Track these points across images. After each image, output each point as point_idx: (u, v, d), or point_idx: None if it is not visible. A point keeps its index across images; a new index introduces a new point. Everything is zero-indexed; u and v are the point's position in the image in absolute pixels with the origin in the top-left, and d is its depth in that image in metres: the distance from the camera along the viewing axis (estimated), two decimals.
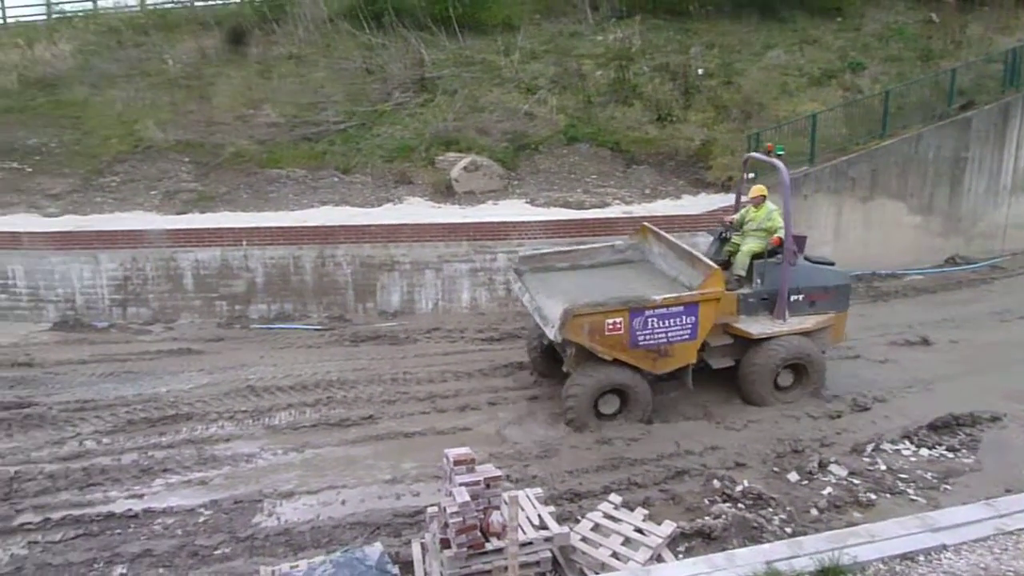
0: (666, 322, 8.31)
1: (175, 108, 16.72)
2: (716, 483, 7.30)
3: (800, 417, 8.78)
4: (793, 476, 7.49)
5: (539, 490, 6.58)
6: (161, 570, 6.30)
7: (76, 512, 7.12)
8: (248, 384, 9.96)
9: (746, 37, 18.19)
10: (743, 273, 9.34)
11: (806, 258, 9.48)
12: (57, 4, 24.33)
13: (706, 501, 7.05)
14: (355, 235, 12.53)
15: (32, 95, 17.73)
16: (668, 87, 16.67)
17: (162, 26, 20.31)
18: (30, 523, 6.98)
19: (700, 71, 17.02)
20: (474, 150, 15.14)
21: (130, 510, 7.15)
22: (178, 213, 13.88)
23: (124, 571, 6.27)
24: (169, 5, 22.42)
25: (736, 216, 9.87)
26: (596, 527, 6.32)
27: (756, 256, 9.24)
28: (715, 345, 9.00)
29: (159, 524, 6.97)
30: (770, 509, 6.82)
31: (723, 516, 6.52)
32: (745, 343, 8.94)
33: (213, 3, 21.76)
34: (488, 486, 5.55)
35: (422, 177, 14.92)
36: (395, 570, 5.77)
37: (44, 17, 24.36)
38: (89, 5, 24.06)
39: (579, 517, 6.62)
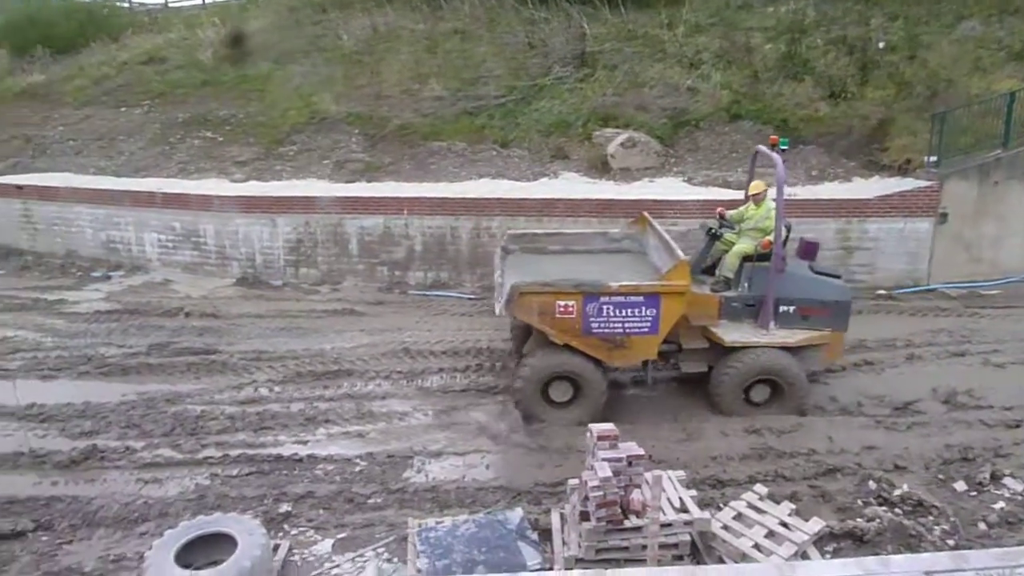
0: (623, 311, 7.83)
1: (348, 82, 17.65)
2: (872, 484, 6.93)
3: (972, 423, 8.11)
4: (960, 485, 6.95)
5: (682, 473, 6.53)
6: (321, 511, 6.81)
7: (250, 451, 7.83)
8: (404, 347, 10.48)
9: (935, 7, 16.67)
10: (730, 275, 8.65)
11: (811, 268, 8.70)
12: None
13: (859, 502, 6.71)
14: (510, 208, 12.77)
15: (224, 70, 19.35)
16: (844, 61, 15.61)
17: (339, 4, 21.42)
18: (212, 457, 7.76)
19: (881, 44, 15.79)
20: (632, 126, 14.95)
21: (296, 454, 7.76)
22: (347, 182, 14.75)
23: (289, 509, 6.82)
24: None
25: (734, 212, 9.15)
26: (739, 516, 6.19)
27: (747, 258, 8.53)
28: (689, 348, 8.46)
29: (320, 470, 7.52)
30: (931, 518, 6.39)
31: (877, 520, 6.19)
32: (720, 350, 8.25)
33: None
34: (630, 464, 5.57)
35: (578, 152, 14.95)
36: (534, 536, 5.94)
37: None
38: None
39: (721, 504, 6.51)
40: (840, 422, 8.24)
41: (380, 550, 6.18)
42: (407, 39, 18.89)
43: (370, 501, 6.95)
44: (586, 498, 5.55)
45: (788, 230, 8.65)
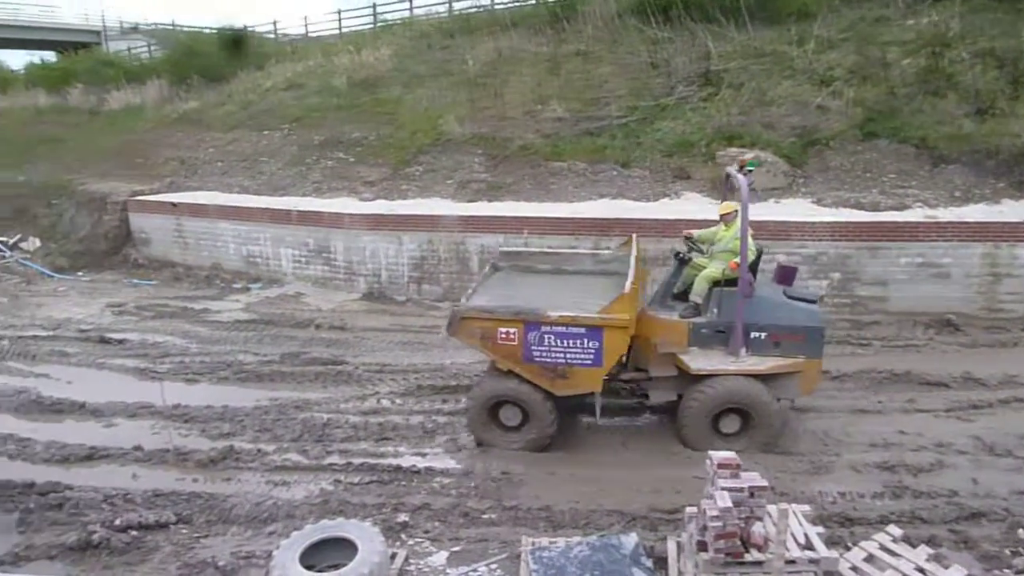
0: (565, 342, 7.54)
1: (472, 104, 18.14)
2: (1022, 533, 6.35)
3: None
4: None
5: (807, 507, 6.21)
6: (437, 523, 6.93)
7: (371, 460, 8.08)
8: None
9: None
10: (700, 300, 8.14)
11: (785, 293, 8.16)
12: (382, 14, 27.55)
13: (1007, 551, 6.17)
14: (630, 228, 12.59)
15: (357, 94, 20.36)
16: (992, 75, 14.61)
17: (465, 29, 22.14)
18: (336, 464, 8.06)
19: None
20: (758, 145, 14.55)
21: (414, 466, 7.94)
22: (469, 201, 15.12)
23: (407, 519, 6.98)
24: (473, 9, 24.32)
25: (704, 233, 8.67)
26: (870, 558, 5.83)
27: (717, 283, 8.00)
28: (659, 376, 8.08)
29: (437, 482, 7.66)
30: None
31: None
32: (689, 378, 7.82)
33: (511, 5, 23.23)
34: (752, 495, 5.36)
35: (701, 173, 14.69)
36: (648, 563, 5.82)
37: (371, 26, 27.70)
38: (407, 14, 26.97)
39: (850, 544, 6.15)
40: (986, 463, 7.62)
41: (493, 566, 6.23)
42: (530, 61, 19.23)
43: (484, 516, 7.02)
44: (704, 528, 5.39)
45: (759, 253, 8.32)
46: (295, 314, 13.38)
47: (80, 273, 17.58)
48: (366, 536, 5.77)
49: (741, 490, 5.33)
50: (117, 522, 6.86)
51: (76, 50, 38.69)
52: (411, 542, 6.66)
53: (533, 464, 7.96)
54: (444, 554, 6.45)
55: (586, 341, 7.54)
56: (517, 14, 22.24)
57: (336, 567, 5.58)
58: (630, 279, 7.77)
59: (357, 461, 8.09)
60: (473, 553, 6.43)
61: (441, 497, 7.34)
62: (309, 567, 5.55)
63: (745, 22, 17.59)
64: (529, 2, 23.61)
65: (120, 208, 18.56)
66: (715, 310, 8.02)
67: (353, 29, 29.16)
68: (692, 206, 13.56)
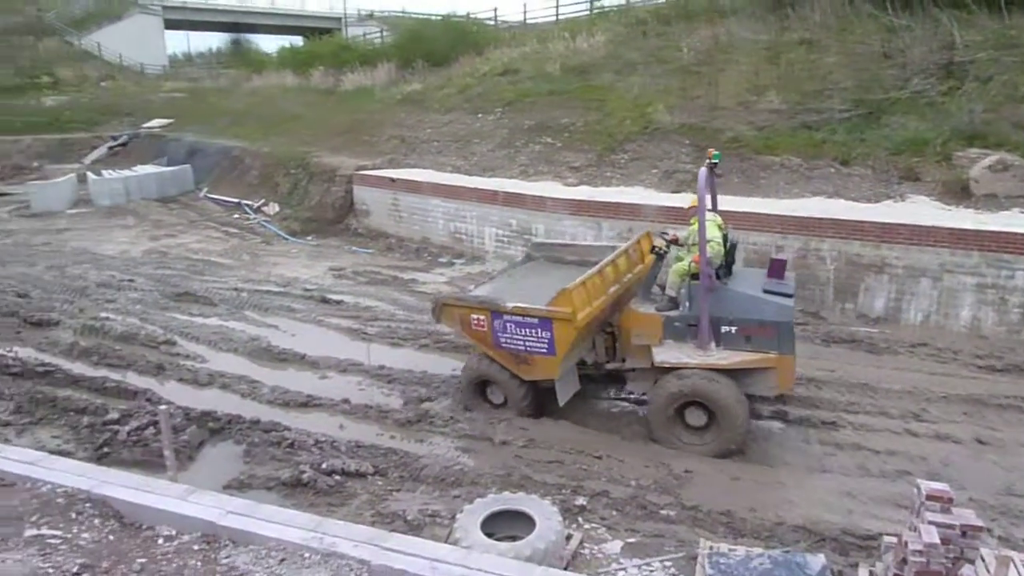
0: (523, 331, 8.08)
1: (684, 93, 17.73)
2: None
3: None
4: None
5: None
6: (614, 512, 6.96)
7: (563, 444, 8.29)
8: None
9: None
10: (674, 294, 8.24)
11: (764, 287, 7.97)
12: (598, 1, 27.63)
13: None
14: (845, 230, 11.84)
15: (569, 80, 20.61)
16: None
17: (683, 16, 21.61)
18: (520, 439, 8.36)
19: None
20: (1005, 147, 12.94)
21: (598, 451, 8.03)
22: (672, 192, 14.84)
23: (584, 503, 7.07)
24: None
25: (683, 233, 8.57)
26: None
27: (695, 276, 7.91)
28: (636, 368, 8.41)
29: (618, 471, 7.67)
30: None
31: None
32: (659, 370, 7.95)
33: None
34: (964, 534, 4.87)
35: (932, 174, 13.33)
36: None
37: (587, 13, 27.87)
38: (623, 0, 26.83)
39: None
40: None
41: (667, 564, 6.15)
42: (747, 50, 18.42)
43: (663, 512, 6.94)
44: (904, 561, 4.97)
45: (733, 245, 8.43)
46: None
47: (309, 238, 19.41)
48: (544, 513, 5.93)
49: (952, 527, 4.86)
50: (324, 465, 7.57)
51: (320, 36, 42.46)
52: (587, 526, 6.74)
53: (718, 466, 7.76)
54: (619, 543, 6.47)
55: (539, 331, 8.01)
56: (738, 0, 21.35)
57: (513, 538, 5.79)
58: (586, 275, 8.11)
59: (539, 440, 8.29)
60: (648, 547, 6.39)
61: (621, 486, 7.35)
62: (488, 534, 5.80)
63: (1000, 8, 15.65)
64: None
65: (346, 181, 20.25)
66: (687, 303, 8.11)
67: (569, 16, 29.49)
68: (919, 209, 12.37)
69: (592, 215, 14.24)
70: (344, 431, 8.66)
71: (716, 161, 8.21)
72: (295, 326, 12.30)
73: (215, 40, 68.39)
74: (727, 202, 13.48)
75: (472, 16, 33.32)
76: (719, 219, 8.37)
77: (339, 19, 56.05)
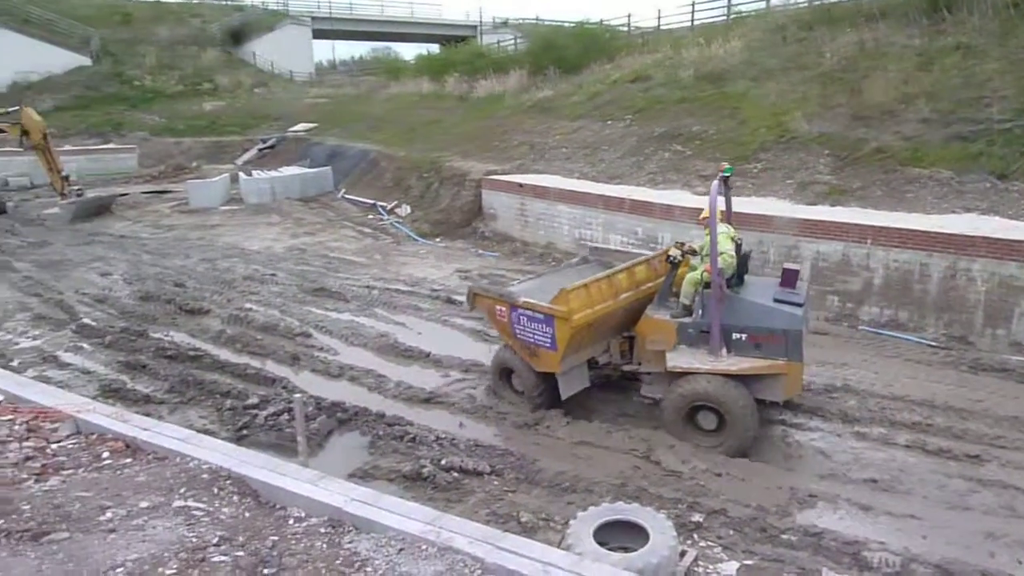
0: (533, 325, 8.65)
1: (824, 101, 16.97)
2: None
3: None
4: None
5: None
6: (732, 532, 6.78)
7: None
8: (846, 384, 9.80)
9: None
10: (688, 302, 8.57)
11: (775, 296, 8.22)
12: (736, 6, 26.91)
13: None
14: (1000, 250, 10.95)
15: (702, 87, 20.19)
16: None
17: (826, 20, 20.69)
18: (637, 450, 8.25)
19: None
20: None
21: (715, 468, 7.82)
22: (808, 203, 14.23)
23: (701, 520, 6.92)
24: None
25: (699, 243, 8.86)
26: None
27: (707, 285, 8.20)
28: (650, 372, 8.83)
29: (738, 490, 7.45)
30: None
31: None
32: (672, 374, 8.31)
33: None
34: None
35: None
36: None
37: (724, 18, 27.22)
38: (762, 5, 26.01)
39: None
40: None
41: None
42: (896, 55, 17.40)
43: (783, 536, 6.69)
44: None
45: (745, 255, 8.79)
46: None
47: (438, 239, 20.01)
48: (659, 527, 5.85)
49: None
50: (443, 462, 7.80)
51: (455, 43, 43.64)
52: (702, 544, 6.61)
53: (847, 493, 7.41)
54: (735, 564, 6.31)
55: (544, 327, 8.57)
56: (887, 3, 20.17)
57: (625, 550, 5.75)
58: (591, 278, 8.77)
59: (656, 452, 8.19)
60: (766, 571, 6.21)
61: (740, 506, 7.14)
62: (600, 543, 5.79)
63: None
64: None
65: (475, 185, 20.72)
66: (700, 311, 8.37)
67: (705, 21, 28.90)
68: None
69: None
70: (464, 429, 8.89)
71: (728, 175, 8.63)
72: (421, 324, 12.73)
73: (359, 48, 71.77)
74: (868, 216, 12.87)
75: (605, 23, 33.27)
76: (732, 230, 8.73)
77: (475, 27, 57.46)
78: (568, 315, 8.26)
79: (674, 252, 8.86)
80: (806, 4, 24.04)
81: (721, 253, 8.04)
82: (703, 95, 19.79)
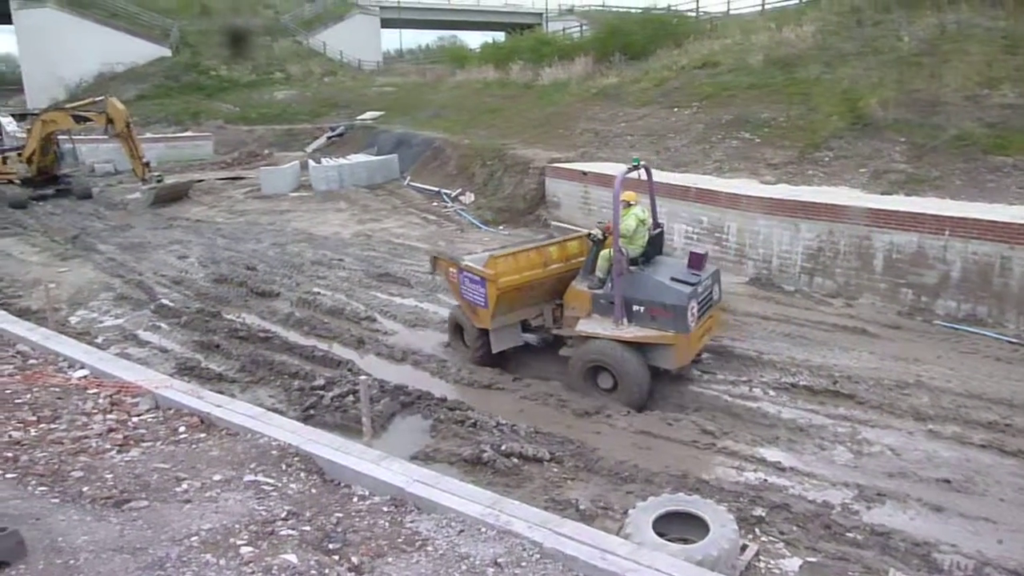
0: (473, 285, 9.85)
1: (900, 86, 16.35)
2: None
3: None
4: None
5: None
6: (795, 528, 6.63)
7: (734, 446, 8.06)
8: (918, 380, 9.48)
9: None
10: (602, 275, 9.46)
11: (673, 276, 9.16)
12: None
13: None
14: None
15: (772, 73, 19.70)
16: None
17: (904, 2, 19.88)
18: (698, 442, 8.21)
19: None
20: None
21: (779, 463, 7.70)
22: (882, 193, 13.78)
23: (763, 514, 6.80)
24: None
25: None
26: None
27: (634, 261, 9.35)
28: (569, 335, 9.80)
29: (801, 485, 7.32)
30: None
31: None
32: (581, 338, 9.47)
33: None
34: None
35: None
36: None
37: (796, 2, 26.45)
38: None
39: None
40: None
41: None
42: (980, 38, 16.62)
43: (848, 535, 6.53)
44: None
45: (655, 236, 9.70)
46: None
47: (501, 227, 20.10)
48: (719, 519, 5.79)
49: None
50: (503, 447, 7.88)
51: (521, 31, 43.59)
52: (764, 538, 6.52)
53: (918, 491, 7.19)
54: (797, 561, 6.20)
55: (480, 288, 9.75)
56: None
57: (685, 541, 5.72)
58: (520, 248, 10.40)
59: (720, 444, 8.12)
60: (831, 569, 6.07)
61: (803, 502, 7.01)
62: (659, 534, 5.77)
63: None
64: None
65: (539, 173, 20.71)
66: (610, 284, 9.23)
67: (776, 6, 28.11)
68: None
69: (789, 215, 13.56)
70: (523, 415, 8.95)
71: (636, 164, 9.46)
72: None
73: (425, 37, 72.31)
74: (946, 206, 12.36)
75: (673, 8, 32.71)
76: (644, 214, 9.63)
77: (540, 14, 57.23)
78: (495, 278, 9.53)
79: (595, 231, 9.77)
80: None
81: (628, 236, 9.19)
82: (773, 81, 19.30)
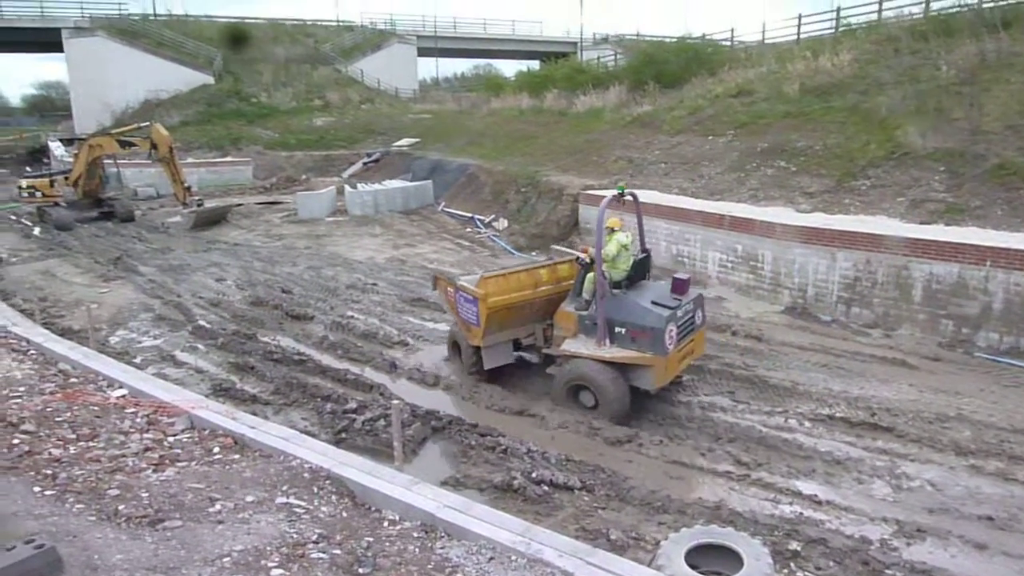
0: (467, 304, 10.26)
1: (939, 115, 16.13)
2: None
3: None
4: None
5: None
6: (831, 563, 6.49)
7: (768, 478, 7.94)
8: (960, 414, 9.26)
9: None
10: (588, 297, 9.75)
11: (654, 300, 9.39)
12: (845, 18, 25.99)
13: None
14: None
15: (808, 102, 19.57)
16: None
17: (943, 31, 19.68)
18: (732, 472, 8.08)
19: None
20: None
21: (816, 496, 7.55)
22: (921, 222, 13.56)
23: (798, 548, 6.66)
24: (954, 9, 21.45)
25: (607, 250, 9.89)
26: None
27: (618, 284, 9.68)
28: (557, 353, 9.99)
29: (838, 519, 7.17)
30: None
31: None
32: (565, 357, 9.77)
33: (1004, 3, 19.92)
34: None
35: None
36: None
37: (832, 31, 26.35)
38: (874, 16, 25.01)
39: None
40: None
41: None
42: (1021, 67, 16.36)
43: (887, 572, 6.37)
44: None
45: (640, 260, 10.07)
46: (714, 318, 13.50)
47: (534, 253, 20.13)
48: (754, 553, 5.68)
49: None
50: (534, 475, 7.83)
51: (556, 59, 43.94)
52: (800, 573, 6.39)
53: (962, 527, 7.01)
54: None
55: (472, 306, 10.16)
56: (1012, 12, 18.99)
57: (717, 575, 5.62)
58: (512, 269, 10.86)
59: (755, 475, 7.99)
60: None
61: (840, 536, 6.86)
62: (691, 566, 5.67)
63: None
64: None
65: (572, 199, 20.76)
66: (595, 307, 9.52)
67: (812, 34, 28.00)
68: None
69: (826, 244, 13.40)
70: (555, 442, 8.89)
71: (620, 192, 9.81)
72: None
73: (461, 65, 73.27)
74: (987, 236, 12.12)
75: (707, 37, 32.77)
76: (628, 239, 9.88)
77: (575, 43, 57.70)
78: (485, 297, 9.92)
79: (583, 256, 10.08)
80: (921, 15, 22.94)
81: (611, 260, 9.52)
82: (809, 110, 19.18)
